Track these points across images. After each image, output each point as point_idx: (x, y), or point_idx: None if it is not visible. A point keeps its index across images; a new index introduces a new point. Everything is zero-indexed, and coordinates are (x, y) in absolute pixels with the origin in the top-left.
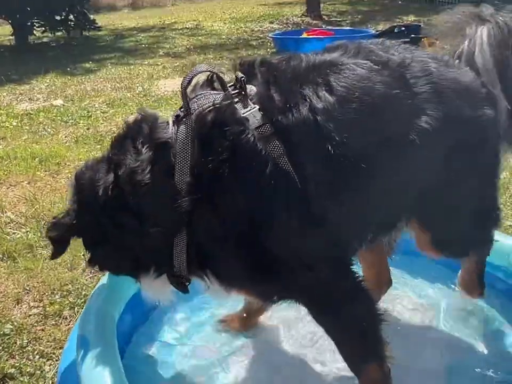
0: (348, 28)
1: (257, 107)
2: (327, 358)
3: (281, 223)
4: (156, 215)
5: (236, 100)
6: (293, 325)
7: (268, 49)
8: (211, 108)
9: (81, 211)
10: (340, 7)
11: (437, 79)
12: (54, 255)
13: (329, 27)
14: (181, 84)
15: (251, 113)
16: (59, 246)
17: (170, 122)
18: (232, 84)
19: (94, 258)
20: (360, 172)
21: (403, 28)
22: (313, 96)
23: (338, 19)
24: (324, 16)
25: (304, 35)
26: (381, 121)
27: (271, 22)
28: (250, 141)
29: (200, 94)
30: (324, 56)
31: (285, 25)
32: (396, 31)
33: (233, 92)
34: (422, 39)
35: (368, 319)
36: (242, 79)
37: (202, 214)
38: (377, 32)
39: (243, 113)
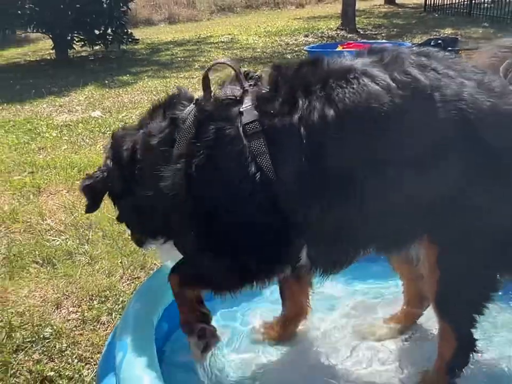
0: (383, 41)
1: (252, 105)
2: (362, 368)
3: (241, 215)
4: (149, 176)
5: (235, 97)
6: (330, 335)
7: None
8: (212, 99)
9: (111, 166)
10: (375, 21)
11: (466, 106)
12: (88, 208)
13: (365, 40)
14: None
15: (245, 110)
16: (91, 199)
17: (191, 104)
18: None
19: (120, 215)
20: (331, 189)
21: (440, 41)
22: (307, 107)
23: (374, 32)
24: (359, 30)
25: (339, 48)
26: (371, 143)
27: (306, 36)
28: (232, 134)
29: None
30: (349, 62)
31: (319, 38)
32: (432, 44)
33: (237, 89)
34: (459, 52)
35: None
36: (250, 76)
37: (179, 187)
38: (414, 45)
39: (236, 109)
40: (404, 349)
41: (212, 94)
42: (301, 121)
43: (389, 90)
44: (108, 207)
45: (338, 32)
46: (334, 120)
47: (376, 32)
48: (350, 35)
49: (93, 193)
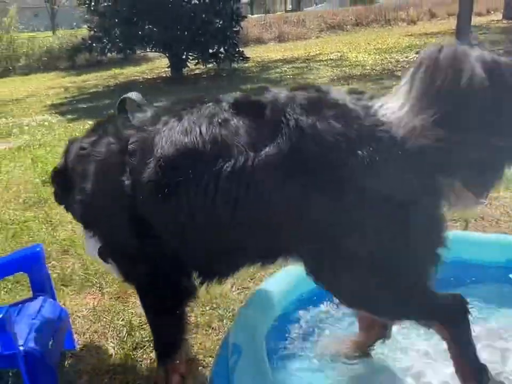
0: (502, 58)
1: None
2: None
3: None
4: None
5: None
6: (404, 355)
7: None
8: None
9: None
10: (492, 37)
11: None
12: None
13: None
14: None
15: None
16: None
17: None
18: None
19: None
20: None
21: None
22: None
23: (491, 49)
24: (474, 46)
25: None
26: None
27: (417, 53)
28: (114, 150)
29: None
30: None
31: None
32: None
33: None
34: None
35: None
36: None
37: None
38: None
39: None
40: None
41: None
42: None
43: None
44: None
45: None
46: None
47: (493, 49)
48: None
49: (53, 184)
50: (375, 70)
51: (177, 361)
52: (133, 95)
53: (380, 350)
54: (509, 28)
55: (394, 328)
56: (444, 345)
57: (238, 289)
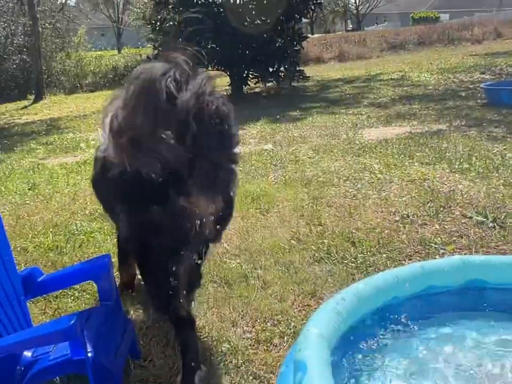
0: None
1: None
2: None
3: None
4: None
5: None
6: None
7: (478, 100)
8: None
9: None
10: None
11: None
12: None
13: None
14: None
15: None
16: None
17: None
18: None
19: None
20: None
21: None
22: None
23: None
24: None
25: None
26: None
27: (482, 73)
28: None
29: None
30: None
31: (497, 75)
32: None
33: None
34: None
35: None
36: None
37: None
38: None
39: None
40: None
41: None
42: None
43: None
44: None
45: None
46: None
47: None
48: None
49: None
50: (438, 90)
51: None
52: None
53: None
54: None
55: None
56: None
57: (299, 306)
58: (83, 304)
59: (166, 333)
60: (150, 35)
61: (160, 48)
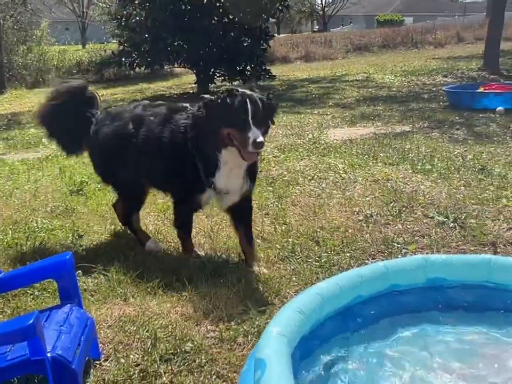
0: None
1: None
2: None
3: None
4: None
5: None
6: None
7: (440, 103)
8: None
9: None
10: None
11: None
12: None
13: (509, 82)
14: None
15: None
16: None
17: None
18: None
19: None
20: None
21: None
22: None
23: None
24: (502, 71)
25: (481, 89)
26: None
27: (445, 76)
28: None
29: None
30: None
31: (459, 79)
32: None
33: None
34: None
35: None
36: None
37: None
38: None
39: None
40: None
41: None
42: None
43: None
44: None
45: (480, 73)
46: None
47: None
48: (493, 76)
49: None
50: (401, 92)
51: None
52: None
53: None
54: None
55: None
56: None
57: (263, 305)
58: (43, 303)
59: (128, 333)
60: (116, 31)
61: (125, 44)
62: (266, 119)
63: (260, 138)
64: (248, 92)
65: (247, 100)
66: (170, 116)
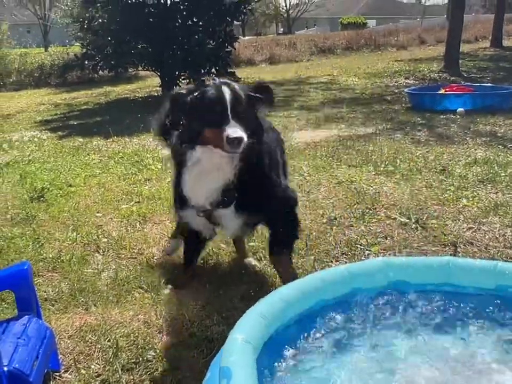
0: (488, 84)
1: None
2: None
3: None
4: None
5: None
6: None
7: (403, 105)
8: None
9: None
10: (480, 64)
11: None
12: None
13: (469, 83)
14: None
15: None
16: None
17: None
18: None
19: None
20: None
21: None
22: None
23: (479, 75)
24: (463, 72)
25: (442, 91)
26: None
27: (407, 78)
28: None
29: None
30: None
31: (421, 80)
32: None
33: None
34: None
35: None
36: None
37: None
38: None
39: None
40: None
41: None
42: None
43: None
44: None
45: (441, 74)
46: None
47: (481, 75)
48: (453, 78)
49: None
50: (365, 94)
51: None
52: None
53: None
54: (496, 56)
55: None
56: None
57: (226, 310)
58: (1, 314)
59: (89, 343)
60: (78, 33)
61: (88, 47)
62: (252, 114)
63: (236, 134)
64: (226, 80)
65: (224, 90)
66: None
